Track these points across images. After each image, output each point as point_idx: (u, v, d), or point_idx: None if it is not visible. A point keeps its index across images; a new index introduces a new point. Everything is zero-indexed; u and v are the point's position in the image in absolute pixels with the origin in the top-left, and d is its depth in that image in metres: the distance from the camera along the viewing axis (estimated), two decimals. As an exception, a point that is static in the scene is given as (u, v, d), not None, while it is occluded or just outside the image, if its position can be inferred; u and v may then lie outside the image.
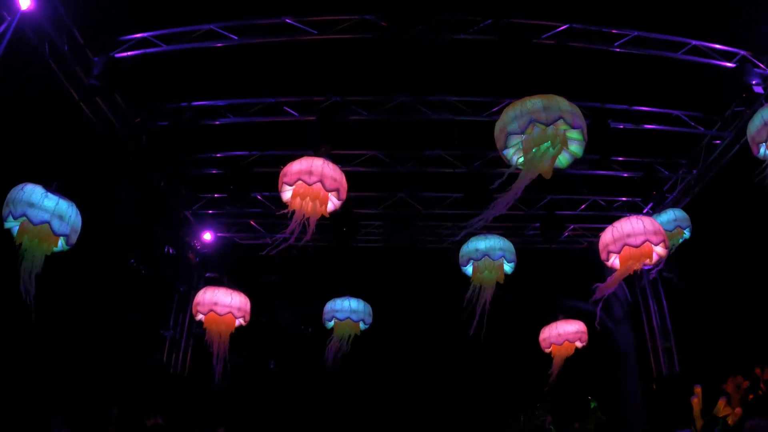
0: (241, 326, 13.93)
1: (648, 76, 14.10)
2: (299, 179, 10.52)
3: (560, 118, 8.24)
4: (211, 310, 13.22)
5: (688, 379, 17.08)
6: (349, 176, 14.05)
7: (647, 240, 10.53)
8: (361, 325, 14.78)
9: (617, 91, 14.67)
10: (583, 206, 18.24)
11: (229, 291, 13.51)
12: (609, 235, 10.92)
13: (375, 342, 16.27)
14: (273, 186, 17.34)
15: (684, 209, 14.57)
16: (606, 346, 19.84)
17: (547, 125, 8.23)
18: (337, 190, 10.75)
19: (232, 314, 13.35)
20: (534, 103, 8.33)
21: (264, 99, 14.89)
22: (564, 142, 8.49)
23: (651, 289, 19.74)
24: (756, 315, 15.71)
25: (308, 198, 10.67)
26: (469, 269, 13.09)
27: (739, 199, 15.46)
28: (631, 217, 10.91)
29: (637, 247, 10.54)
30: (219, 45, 13.21)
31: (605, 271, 20.23)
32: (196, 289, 18.72)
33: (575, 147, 8.68)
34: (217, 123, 15.14)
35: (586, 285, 17.91)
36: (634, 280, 19.94)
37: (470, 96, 14.75)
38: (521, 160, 8.78)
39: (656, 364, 19.21)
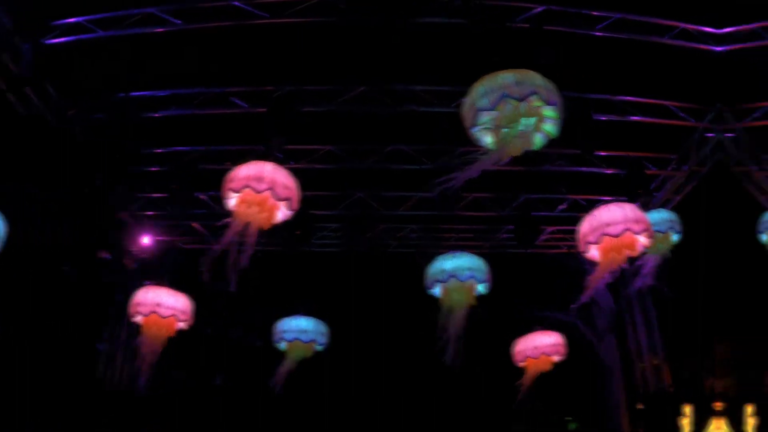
0: (183, 337, 13.85)
1: (633, 63, 14.21)
2: (247, 186, 10.37)
3: (534, 93, 8.26)
4: (154, 312, 13.09)
5: (677, 398, 17.26)
6: (303, 174, 13.90)
7: (628, 229, 10.51)
8: (316, 347, 14.71)
9: (599, 80, 14.75)
10: (561, 206, 18.22)
11: (173, 292, 13.42)
12: (586, 225, 10.93)
13: (333, 363, 16.21)
14: (219, 185, 17.46)
15: (674, 209, 14.62)
16: (588, 361, 19.93)
17: (520, 100, 8.23)
18: (289, 200, 10.64)
19: (176, 317, 13.24)
20: (506, 77, 8.32)
21: (210, 89, 14.90)
22: (539, 119, 8.52)
23: (638, 299, 19.52)
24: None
25: (256, 207, 10.51)
26: (437, 291, 13.09)
27: (735, 199, 15.63)
28: (610, 205, 10.95)
29: (616, 236, 10.51)
30: (160, 30, 13.12)
31: (587, 278, 20.50)
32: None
33: (550, 126, 8.69)
34: (158, 115, 15.09)
35: (565, 294, 18.05)
36: (618, 288, 20.01)
37: (437, 85, 14.81)
38: (491, 140, 8.74)
39: (643, 381, 19.23)
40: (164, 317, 13.20)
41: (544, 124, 8.63)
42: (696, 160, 16.43)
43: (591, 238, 10.73)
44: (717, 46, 13.46)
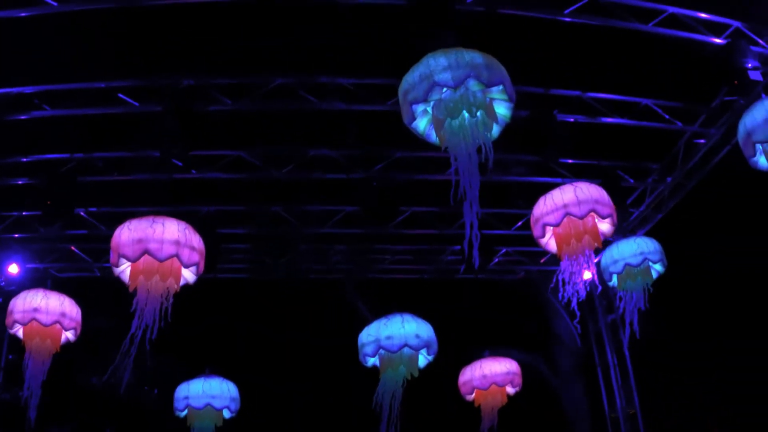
0: (67, 387, 13.25)
1: (608, 54, 13.96)
2: (146, 251, 9.92)
3: (501, 83, 8.00)
4: (33, 319, 12.45)
5: None
6: (208, 184, 13.40)
7: (593, 210, 10.42)
8: (225, 413, 14.22)
9: (567, 73, 14.51)
10: (519, 223, 18.11)
11: (56, 294, 12.84)
12: (542, 205, 10.80)
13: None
14: (102, 199, 17.04)
15: (654, 228, 14.52)
16: (550, 410, 19.76)
17: (455, 87, 7.92)
18: (197, 264, 10.38)
19: (60, 324, 12.64)
20: (475, 56, 8.04)
21: (91, 83, 14.25)
22: (485, 106, 8.16)
23: (609, 335, 19.52)
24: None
25: (155, 275, 10.13)
26: (371, 361, 12.85)
27: (728, 216, 15.51)
28: (565, 186, 10.79)
29: (580, 218, 10.40)
30: (24, 15, 12.35)
31: (546, 308, 20.50)
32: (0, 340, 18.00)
33: (502, 108, 8.37)
34: (25, 118, 14.44)
35: (523, 328, 17.83)
36: (587, 322, 19.88)
37: (370, 77, 14.45)
38: (426, 126, 8.62)
39: (616, 435, 19.09)
40: (46, 325, 12.55)
41: (495, 107, 8.29)
42: (683, 171, 16.24)
43: (550, 219, 10.60)
44: (716, 36, 13.15)
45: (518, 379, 14.94)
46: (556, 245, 10.88)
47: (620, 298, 12.99)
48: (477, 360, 15.10)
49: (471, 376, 15.01)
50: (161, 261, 9.90)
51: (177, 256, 9.96)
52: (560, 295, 10.67)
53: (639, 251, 12.83)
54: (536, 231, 10.91)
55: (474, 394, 15.03)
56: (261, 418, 18.25)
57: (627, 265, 12.53)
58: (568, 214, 10.41)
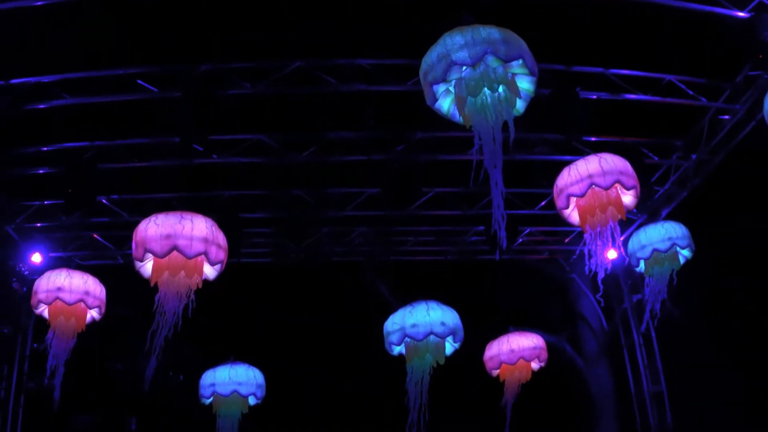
0: (91, 374, 13.25)
1: (631, 30, 13.76)
2: (174, 248, 9.85)
3: (521, 57, 7.89)
4: (57, 298, 12.47)
5: None
6: (229, 169, 13.37)
7: (618, 181, 10.30)
8: (251, 400, 14.22)
9: (589, 50, 14.38)
10: (543, 203, 18.01)
11: (79, 273, 12.86)
12: (566, 176, 10.68)
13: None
14: (123, 186, 17.06)
15: (679, 207, 14.36)
16: (576, 391, 19.68)
17: (473, 65, 7.82)
18: (222, 262, 10.32)
19: (84, 303, 12.65)
20: (491, 31, 7.93)
21: (109, 71, 14.24)
22: (507, 81, 8.05)
23: (635, 316, 19.38)
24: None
25: (180, 271, 10.08)
26: (397, 350, 12.76)
27: (755, 194, 15.36)
28: (589, 156, 10.67)
29: (605, 188, 10.28)
30: (40, 4, 12.35)
31: (571, 288, 20.43)
32: (24, 331, 18.06)
33: (525, 83, 8.24)
34: (44, 107, 14.41)
35: (548, 309, 17.70)
36: (612, 302, 19.76)
37: (389, 58, 14.36)
38: (450, 106, 8.47)
39: (642, 415, 18.99)
40: (70, 304, 12.56)
41: (518, 83, 8.15)
42: (707, 148, 16.04)
43: (575, 189, 10.45)
44: (739, 9, 12.92)
45: (544, 354, 14.93)
46: (579, 217, 10.77)
47: (647, 284, 12.89)
48: (503, 335, 15.10)
49: (498, 350, 14.98)
50: (190, 258, 9.86)
51: (205, 253, 9.93)
52: (585, 268, 10.56)
53: (667, 236, 12.74)
54: (560, 202, 10.77)
55: (500, 369, 15.03)
56: (283, 403, 18.26)
57: (655, 250, 12.42)
58: (593, 184, 10.29)
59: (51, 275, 12.71)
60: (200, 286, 10.27)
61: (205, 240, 9.88)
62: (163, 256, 9.81)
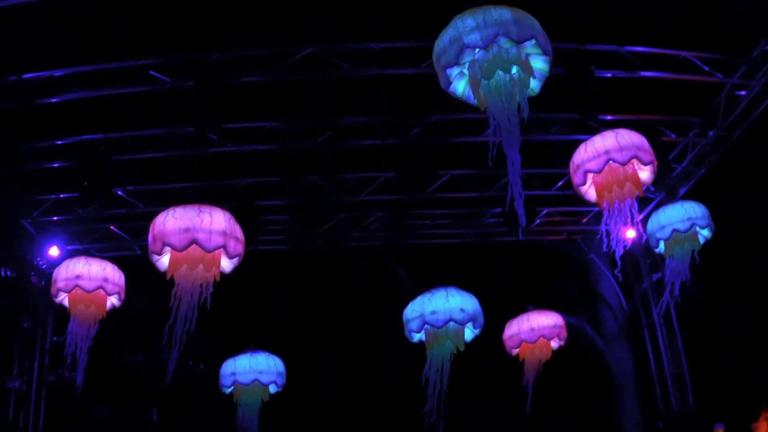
0: (109, 364, 13.25)
1: (645, 6, 13.64)
2: (193, 241, 9.79)
3: (533, 37, 7.86)
4: (76, 285, 12.48)
5: (705, 416, 16.98)
6: (243, 157, 13.34)
7: (635, 156, 10.16)
8: (272, 388, 14.23)
9: (602, 27, 14.21)
10: (559, 183, 17.92)
11: (98, 260, 12.82)
12: (583, 152, 10.54)
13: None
14: (138, 178, 17.08)
15: (697, 185, 14.23)
16: (596, 373, 19.62)
17: (485, 47, 7.79)
18: (239, 255, 10.24)
19: (103, 290, 12.67)
20: (502, 12, 7.90)
21: (121, 63, 14.25)
22: (520, 62, 8.01)
23: (655, 296, 19.31)
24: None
25: (198, 264, 10.01)
26: (417, 337, 12.62)
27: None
28: (605, 132, 10.55)
29: (622, 164, 10.17)
30: (50, -2, 12.41)
31: (590, 269, 20.38)
32: (44, 324, 18.12)
33: (539, 63, 8.18)
34: (57, 101, 14.44)
35: (567, 290, 17.57)
36: (632, 282, 19.68)
37: (401, 41, 14.30)
38: (465, 89, 8.42)
39: (663, 396, 18.92)
40: (89, 291, 12.58)
41: (528, 79, 8.09)
42: (724, 124, 15.90)
43: (592, 165, 10.30)
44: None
45: (564, 333, 14.82)
46: (596, 194, 10.63)
47: (667, 265, 12.80)
48: (522, 314, 15.05)
49: (518, 329, 14.86)
50: (209, 252, 9.80)
51: (224, 247, 9.89)
52: (604, 247, 10.48)
53: (686, 216, 12.51)
54: (577, 178, 10.62)
55: (520, 348, 15.00)
56: (301, 391, 18.27)
57: (674, 231, 12.22)
58: (610, 160, 10.18)
59: (69, 263, 12.68)
60: (217, 278, 10.23)
61: (224, 233, 9.82)
62: (182, 250, 9.74)
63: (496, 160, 8.21)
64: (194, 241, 9.68)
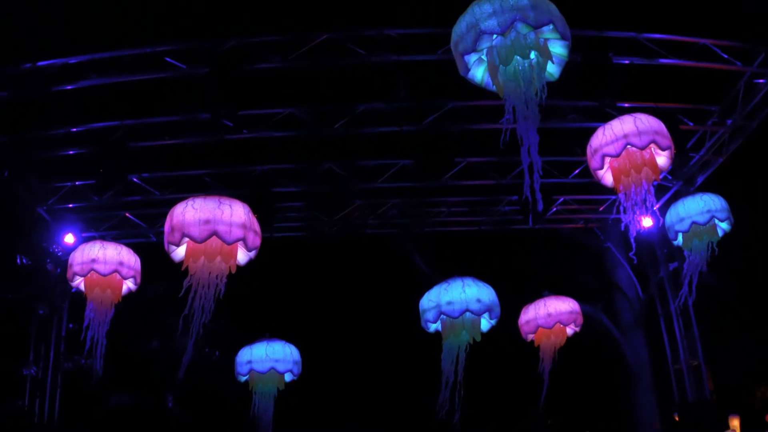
0: (125, 352, 13.24)
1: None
2: (214, 233, 9.75)
3: (551, 22, 7.78)
4: (92, 269, 12.50)
5: (721, 407, 16.92)
6: (260, 144, 13.29)
7: (653, 141, 10.10)
8: (287, 377, 14.23)
9: (621, 14, 14.25)
10: (576, 171, 17.74)
11: (113, 244, 12.81)
12: (601, 136, 10.48)
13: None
14: (153, 165, 17.07)
15: (715, 173, 14.10)
16: (612, 363, 19.56)
17: (503, 33, 7.77)
18: (257, 248, 10.19)
19: (119, 273, 12.69)
20: (481, 8, 7.85)
21: (137, 49, 14.18)
22: (539, 47, 7.99)
23: (671, 286, 19.07)
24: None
25: (217, 256, 10.00)
26: (433, 327, 12.55)
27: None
28: (623, 116, 10.47)
29: (641, 148, 10.12)
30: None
31: (606, 258, 20.32)
32: (59, 311, 18.14)
33: (558, 48, 8.14)
34: (72, 87, 14.43)
35: (583, 278, 17.45)
36: (648, 271, 19.57)
37: (419, 27, 14.21)
38: (483, 75, 8.34)
39: (679, 387, 18.70)
40: (104, 275, 12.60)
41: (547, 64, 8.06)
42: (743, 113, 15.73)
43: (610, 149, 10.25)
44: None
45: (580, 319, 14.70)
46: (612, 178, 10.53)
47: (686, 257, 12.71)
48: (539, 299, 15.02)
49: (535, 314, 14.73)
50: (229, 244, 9.80)
51: (244, 240, 9.87)
52: (620, 234, 10.38)
53: (706, 209, 12.37)
54: (594, 162, 10.54)
55: (536, 333, 14.94)
56: (317, 378, 18.29)
57: (693, 223, 12.10)
58: (628, 144, 10.12)
59: (85, 247, 12.67)
60: (233, 270, 10.22)
61: (244, 226, 9.78)
62: (202, 242, 9.72)
63: (512, 147, 8.19)
64: (214, 233, 9.65)
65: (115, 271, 12.41)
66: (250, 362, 13.74)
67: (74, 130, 15.96)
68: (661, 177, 10.58)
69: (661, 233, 15.00)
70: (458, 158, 16.66)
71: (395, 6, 13.92)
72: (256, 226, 10.03)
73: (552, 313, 14.50)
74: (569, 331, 14.80)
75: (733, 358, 17.93)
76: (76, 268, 12.39)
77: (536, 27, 7.71)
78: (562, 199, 18.96)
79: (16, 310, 18.64)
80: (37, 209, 17.93)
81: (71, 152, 16.30)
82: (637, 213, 10.34)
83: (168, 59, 14.17)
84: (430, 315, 12.15)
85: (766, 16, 13.51)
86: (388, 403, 21.11)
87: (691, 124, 16.49)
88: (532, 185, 8.17)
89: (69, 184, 17.89)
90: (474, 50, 7.89)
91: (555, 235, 19.83)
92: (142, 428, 19.83)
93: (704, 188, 13.77)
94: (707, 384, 17.97)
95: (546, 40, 7.96)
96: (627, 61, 14.39)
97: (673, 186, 17.31)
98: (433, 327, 12.31)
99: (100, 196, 17.80)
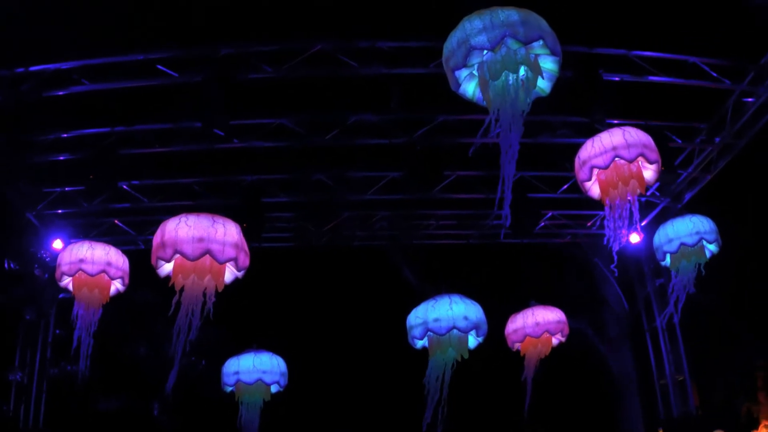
0: (114, 358, 13.23)
1: (654, 10, 13.67)
2: (207, 252, 9.70)
3: (540, 38, 7.88)
4: (80, 269, 12.49)
5: (706, 423, 16.96)
6: (250, 153, 13.34)
7: (641, 154, 10.13)
8: (274, 388, 14.24)
9: (611, 31, 14.22)
10: (565, 186, 17.80)
11: (101, 244, 12.83)
12: (590, 147, 10.45)
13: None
14: (144, 172, 17.07)
15: (703, 191, 14.17)
16: (598, 377, 19.60)
17: (493, 48, 7.84)
18: (246, 268, 10.19)
19: (107, 273, 12.68)
20: (509, 13, 7.95)
21: (129, 56, 14.24)
22: (529, 63, 8.07)
23: (658, 301, 19.20)
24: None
25: (204, 275, 9.96)
26: (420, 344, 12.58)
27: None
28: (612, 129, 10.46)
29: (629, 161, 10.12)
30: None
31: (594, 273, 20.34)
32: (47, 317, 18.13)
33: (549, 63, 8.23)
34: (64, 93, 14.49)
35: (569, 292, 17.52)
36: (634, 286, 19.65)
37: (410, 41, 14.29)
38: (474, 91, 8.47)
39: (665, 402, 18.84)
40: (92, 275, 12.60)
41: (537, 80, 8.15)
42: (732, 131, 15.84)
43: (599, 161, 10.22)
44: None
45: (567, 329, 14.76)
46: (600, 190, 10.56)
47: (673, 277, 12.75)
48: (526, 308, 15.02)
49: (523, 323, 14.75)
50: (221, 263, 9.78)
51: (235, 259, 9.86)
52: (607, 248, 10.44)
53: (695, 230, 12.49)
54: (582, 174, 10.52)
55: (523, 342, 14.94)
56: (303, 389, 18.29)
57: (682, 244, 12.21)
58: (617, 156, 10.13)
59: (73, 248, 12.66)
60: (220, 289, 10.20)
61: (236, 246, 9.80)
62: (195, 259, 9.68)
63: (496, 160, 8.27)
64: (208, 252, 9.65)
65: (103, 271, 12.44)
66: (237, 373, 13.75)
67: (65, 135, 15.98)
68: (648, 192, 10.64)
69: (648, 249, 15.06)
70: (448, 171, 16.64)
71: (388, 19, 13.91)
72: (246, 247, 10.05)
73: (540, 322, 14.58)
74: (555, 341, 14.86)
75: (719, 373, 17.93)
76: (64, 268, 12.43)
77: (526, 43, 7.80)
78: (550, 214, 18.98)
79: (3, 316, 18.60)
80: (26, 214, 17.92)
81: (61, 158, 16.30)
82: (622, 227, 10.41)
83: (160, 67, 14.20)
84: (417, 332, 12.20)
85: (756, 35, 13.59)
86: (375, 415, 21.07)
87: (680, 141, 16.53)
88: (503, 187, 8.23)
89: (58, 189, 17.85)
90: (465, 65, 7.98)
91: (543, 250, 19.85)
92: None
93: (692, 205, 13.88)
94: (693, 399, 18.08)
95: (537, 55, 8.03)
96: (617, 78, 14.51)
97: (660, 203, 17.37)
98: (420, 343, 12.36)
99: (90, 202, 17.73)
